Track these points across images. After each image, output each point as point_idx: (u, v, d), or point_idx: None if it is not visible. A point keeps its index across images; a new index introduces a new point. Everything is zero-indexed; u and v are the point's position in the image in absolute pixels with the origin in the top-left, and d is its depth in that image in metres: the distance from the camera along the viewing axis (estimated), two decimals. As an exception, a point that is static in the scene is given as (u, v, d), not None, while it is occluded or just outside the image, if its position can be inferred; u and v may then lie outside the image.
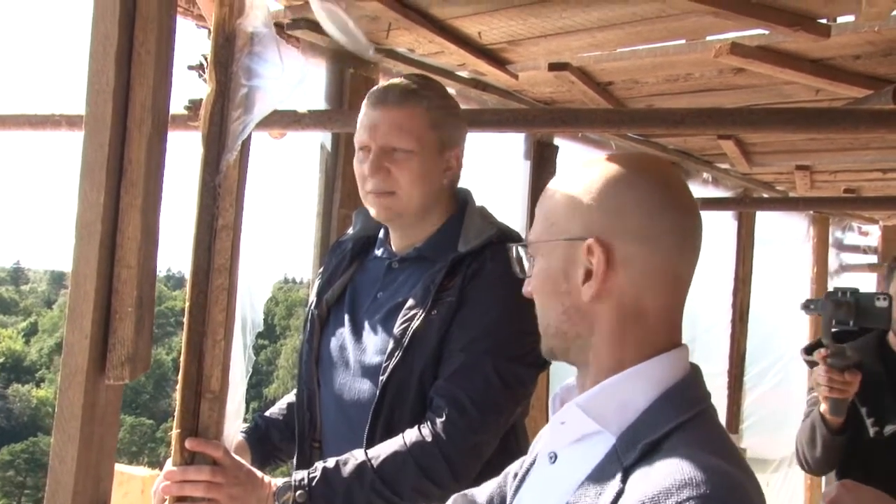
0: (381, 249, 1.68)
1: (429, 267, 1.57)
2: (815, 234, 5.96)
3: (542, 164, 3.41)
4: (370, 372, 1.55)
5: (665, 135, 3.80)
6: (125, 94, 1.26)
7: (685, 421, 0.87)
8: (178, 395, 1.34)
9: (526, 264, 1.01)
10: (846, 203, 5.35)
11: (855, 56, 2.49)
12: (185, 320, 1.33)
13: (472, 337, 1.48)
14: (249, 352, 1.52)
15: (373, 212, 1.60)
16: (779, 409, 5.52)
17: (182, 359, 1.33)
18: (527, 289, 1.01)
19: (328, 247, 2.14)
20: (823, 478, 2.50)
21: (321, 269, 1.78)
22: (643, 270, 0.91)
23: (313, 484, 1.39)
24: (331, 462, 1.42)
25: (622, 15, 2.21)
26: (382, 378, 1.50)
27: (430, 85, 1.61)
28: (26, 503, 38.73)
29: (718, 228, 4.85)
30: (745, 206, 4.92)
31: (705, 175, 4.54)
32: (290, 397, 1.80)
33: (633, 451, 0.86)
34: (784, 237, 5.73)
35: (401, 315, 1.53)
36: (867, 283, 6.03)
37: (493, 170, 3.42)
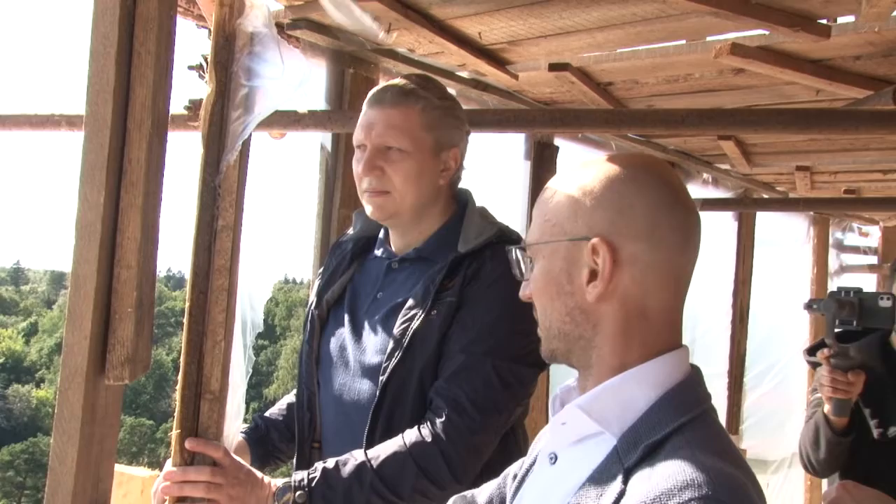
0: (381, 249, 1.68)
1: (429, 267, 1.56)
2: (816, 234, 5.96)
3: (543, 164, 3.41)
4: (370, 372, 1.55)
5: (665, 135, 3.80)
6: (125, 94, 1.26)
7: (686, 422, 0.87)
8: (177, 396, 1.34)
9: (524, 267, 1.01)
10: (846, 204, 5.35)
11: (855, 57, 2.49)
12: (184, 321, 1.33)
13: (471, 337, 1.48)
14: (249, 352, 1.52)
15: (368, 210, 1.61)
16: (779, 410, 5.52)
17: (182, 359, 1.33)
18: (524, 292, 1.01)
19: (328, 247, 2.14)
20: (825, 479, 2.49)
21: (321, 270, 1.78)
22: (647, 270, 0.91)
23: (313, 484, 1.39)
24: (330, 462, 1.42)
25: (622, 15, 2.21)
26: (382, 378, 1.50)
27: (429, 85, 1.60)
28: (26, 503, 38.73)
29: (718, 229, 4.85)
30: (745, 207, 4.92)
31: (705, 176, 4.54)
32: (290, 398, 1.80)
33: (634, 452, 0.86)
34: (784, 238, 5.73)
35: (401, 315, 1.53)
36: (867, 284, 6.03)
37: (493, 170, 3.43)
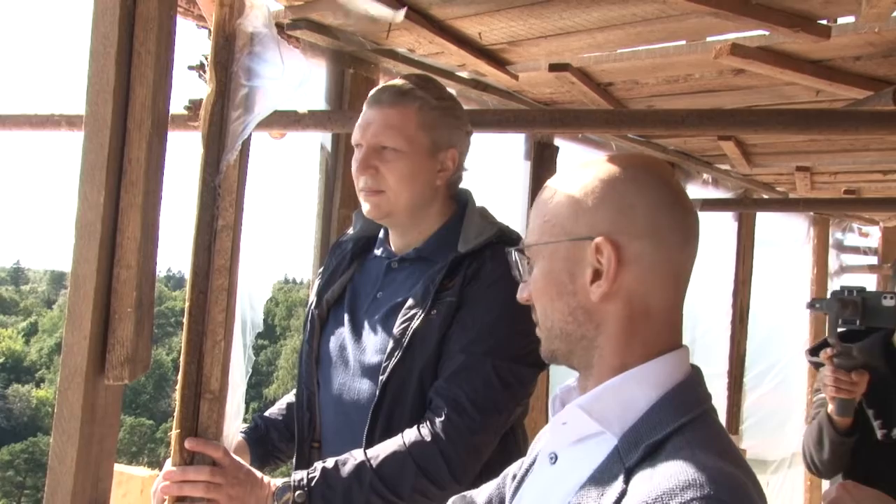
0: (381, 249, 1.68)
1: (428, 267, 1.56)
2: (816, 235, 5.96)
3: (543, 164, 3.41)
4: (370, 372, 1.55)
5: (665, 136, 3.80)
6: (125, 94, 1.26)
7: (687, 422, 0.88)
8: (177, 396, 1.34)
9: (523, 269, 1.00)
10: (846, 204, 5.35)
11: (855, 57, 2.49)
12: (184, 321, 1.33)
13: (471, 337, 1.48)
14: (249, 352, 1.52)
15: (364, 209, 1.61)
16: (778, 411, 5.53)
17: (182, 359, 1.33)
18: (522, 294, 1.00)
19: (328, 247, 2.14)
20: (828, 480, 2.48)
21: (321, 270, 1.78)
22: (650, 268, 0.92)
23: (312, 484, 1.39)
24: (330, 462, 1.42)
25: (622, 16, 2.21)
26: (382, 378, 1.50)
27: (428, 85, 1.60)
28: (26, 503, 38.72)
29: (718, 229, 4.85)
30: (745, 207, 4.93)
31: (705, 176, 4.54)
32: (290, 397, 1.80)
33: (635, 451, 0.86)
34: (784, 238, 5.74)
35: (400, 315, 1.53)
36: (867, 284, 6.01)
37: (493, 170, 3.43)
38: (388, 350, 1.52)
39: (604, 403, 0.91)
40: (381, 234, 1.70)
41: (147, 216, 1.27)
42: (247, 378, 1.49)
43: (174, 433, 1.34)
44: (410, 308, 1.53)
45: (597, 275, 0.92)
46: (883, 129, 2.26)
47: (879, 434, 2.18)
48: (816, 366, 2.29)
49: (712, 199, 4.56)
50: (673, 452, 0.84)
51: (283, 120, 2.44)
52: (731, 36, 2.44)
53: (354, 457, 1.43)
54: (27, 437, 41.34)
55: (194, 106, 2.50)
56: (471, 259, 1.54)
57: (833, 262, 6.12)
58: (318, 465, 1.42)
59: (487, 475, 1.29)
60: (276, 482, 1.40)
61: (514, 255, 1.01)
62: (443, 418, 1.44)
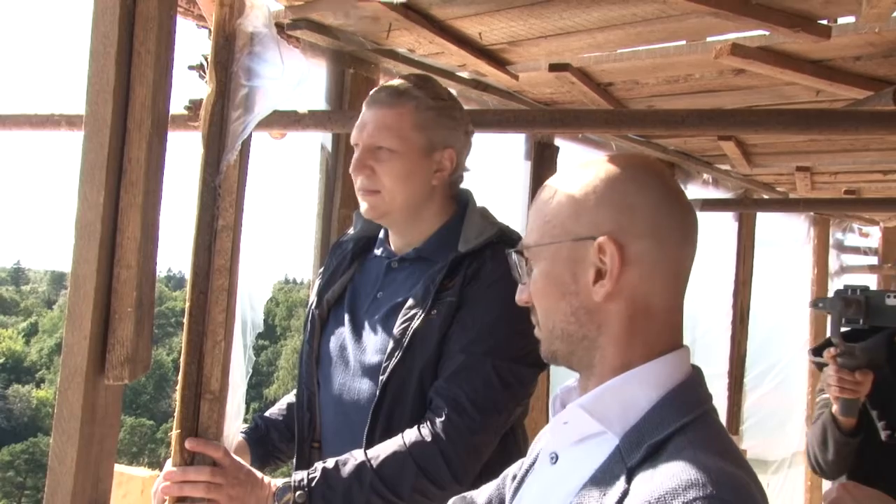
0: (381, 249, 1.68)
1: (428, 267, 1.56)
2: (816, 235, 5.96)
3: (543, 164, 3.41)
4: (370, 371, 1.55)
5: (665, 136, 3.80)
6: (125, 93, 1.26)
7: (688, 422, 0.88)
8: (178, 396, 1.34)
9: (522, 271, 1.00)
10: (847, 204, 5.35)
11: (855, 57, 2.49)
12: (185, 321, 1.33)
13: (471, 337, 1.48)
14: (249, 352, 1.52)
15: (362, 209, 1.61)
16: (779, 411, 5.53)
17: (182, 359, 1.33)
18: (521, 296, 1.00)
19: (328, 247, 2.14)
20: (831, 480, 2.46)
21: (322, 270, 1.78)
22: (652, 267, 0.92)
23: (313, 484, 1.39)
24: (330, 462, 1.42)
25: (622, 16, 2.21)
26: (382, 378, 1.50)
27: (425, 85, 1.60)
28: (26, 503, 38.72)
29: (719, 230, 4.85)
30: (745, 208, 4.92)
31: (706, 176, 4.54)
32: (290, 398, 1.80)
33: (637, 451, 0.86)
34: (784, 239, 5.74)
35: (401, 315, 1.53)
36: (868, 285, 6.02)
37: (493, 170, 3.42)
38: (388, 350, 1.52)
39: (605, 403, 0.91)
40: (381, 234, 1.70)
41: (147, 216, 1.27)
42: (247, 378, 1.49)
43: (174, 433, 1.34)
44: (410, 308, 1.53)
45: (599, 274, 0.92)
46: (883, 129, 2.26)
47: (883, 435, 2.16)
48: (820, 366, 2.27)
49: (712, 200, 4.56)
50: (674, 452, 0.84)
51: (283, 120, 2.44)
52: (732, 36, 2.44)
53: (355, 457, 1.42)
54: (27, 438, 41.35)
55: (194, 106, 2.50)
56: (471, 259, 1.54)
57: (833, 262, 6.12)
58: (319, 465, 1.42)
59: (487, 475, 1.29)
60: (276, 482, 1.40)
61: (514, 257, 1.01)
62: (443, 418, 1.44)
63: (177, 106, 2.35)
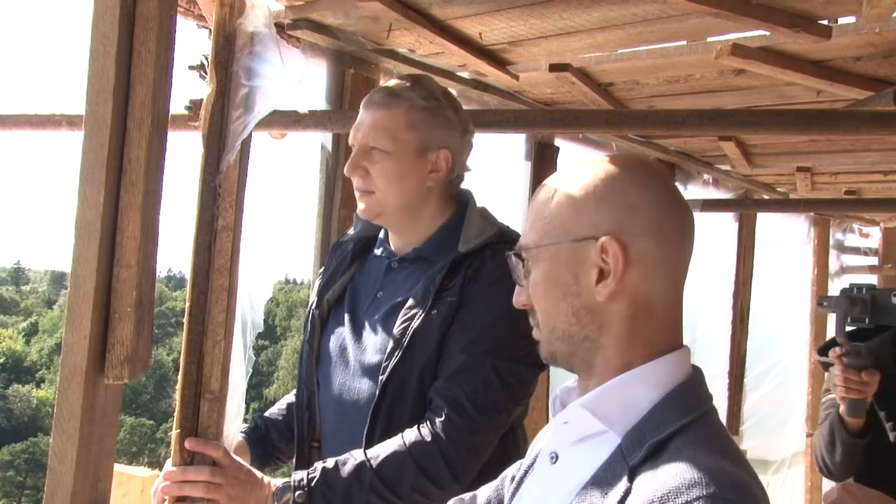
0: (381, 249, 1.68)
1: (428, 267, 1.56)
2: (816, 235, 5.96)
3: (543, 164, 3.41)
4: (370, 371, 1.55)
5: (666, 136, 3.79)
6: (125, 93, 1.26)
7: (689, 422, 0.88)
8: (177, 396, 1.34)
9: (520, 272, 1.00)
10: (847, 205, 5.35)
11: (856, 57, 2.49)
12: (185, 321, 1.33)
13: (471, 337, 1.48)
14: (249, 352, 1.52)
15: (359, 209, 1.62)
16: (779, 411, 5.53)
17: (182, 359, 1.33)
18: (519, 299, 1.00)
19: (328, 247, 2.14)
20: (825, 480, 2.44)
21: (322, 270, 1.78)
22: (654, 267, 0.92)
23: (313, 484, 1.39)
24: (330, 462, 1.42)
25: (623, 16, 2.21)
26: (382, 378, 1.50)
27: (420, 85, 1.60)
28: (26, 503, 38.73)
29: (719, 230, 4.85)
30: (745, 208, 4.92)
31: (706, 176, 4.54)
32: (290, 397, 1.80)
33: (639, 450, 0.86)
34: (785, 239, 5.74)
35: (401, 315, 1.53)
36: (873, 283, 6.02)
37: (493, 170, 3.42)
38: (388, 350, 1.52)
39: (607, 403, 0.91)
40: (381, 235, 1.70)
41: (147, 216, 1.27)
42: (247, 378, 1.49)
43: (174, 433, 1.34)
44: (410, 308, 1.53)
45: (602, 275, 0.92)
46: (883, 129, 2.25)
47: (892, 436, 2.13)
48: (825, 366, 2.22)
49: (713, 200, 4.56)
50: (676, 452, 0.84)
51: (283, 120, 2.44)
52: (732, 36, 2.44)
53: (354, 457, 1.42)
54: (27, 438, 41.35)
55: (194, 106, 2.50)
56: (471, 259, 1.54)
57: (833, 262, 6.12)
58: (319, 465, 1.42)
59: (487, 476, 1.29)
60: (276, 482, 1.40)
61: (513, 259, 1.01)
62: (443, 418, 1.44)
63: (177, 106, 2.35)
